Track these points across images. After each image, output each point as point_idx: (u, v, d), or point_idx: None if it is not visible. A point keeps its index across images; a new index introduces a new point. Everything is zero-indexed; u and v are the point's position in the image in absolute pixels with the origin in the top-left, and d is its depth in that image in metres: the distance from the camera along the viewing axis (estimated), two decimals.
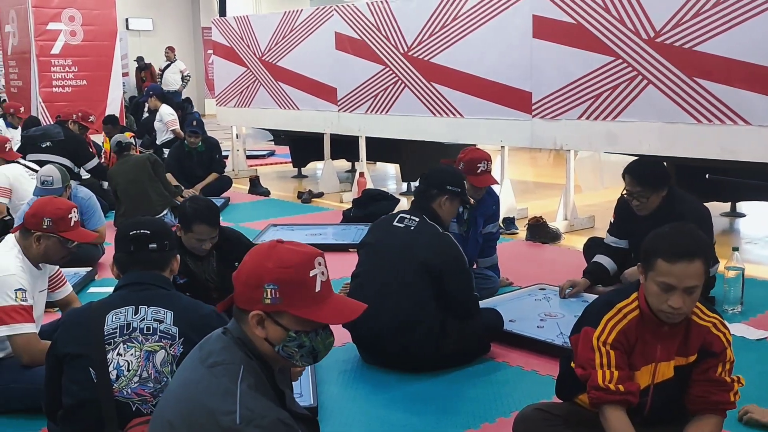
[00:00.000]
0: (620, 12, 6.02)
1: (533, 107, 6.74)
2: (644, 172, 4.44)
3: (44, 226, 3.42)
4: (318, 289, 1.94)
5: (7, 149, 6.89)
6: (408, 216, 3.86)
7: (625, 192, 4.49)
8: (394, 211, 4.10)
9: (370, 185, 8.33)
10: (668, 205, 4.37)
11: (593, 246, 5.05)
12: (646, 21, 5.87)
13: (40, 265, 3.51)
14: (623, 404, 2.49)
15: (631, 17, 5.96)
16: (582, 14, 6.27)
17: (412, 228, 3.80)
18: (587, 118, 6.37)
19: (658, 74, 5.85)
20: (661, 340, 2.53)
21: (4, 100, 13.54)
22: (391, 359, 3.77)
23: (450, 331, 3.72)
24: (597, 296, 2.90)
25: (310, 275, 1.93)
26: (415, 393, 3.56)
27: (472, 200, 4.34)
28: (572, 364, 2.66)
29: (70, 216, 3.49)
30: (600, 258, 4.79)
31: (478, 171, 4.77)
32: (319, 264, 1.96)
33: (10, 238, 3.50)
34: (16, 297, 3.28)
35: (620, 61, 6.07)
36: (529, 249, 6.31)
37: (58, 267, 3.75)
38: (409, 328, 3.65)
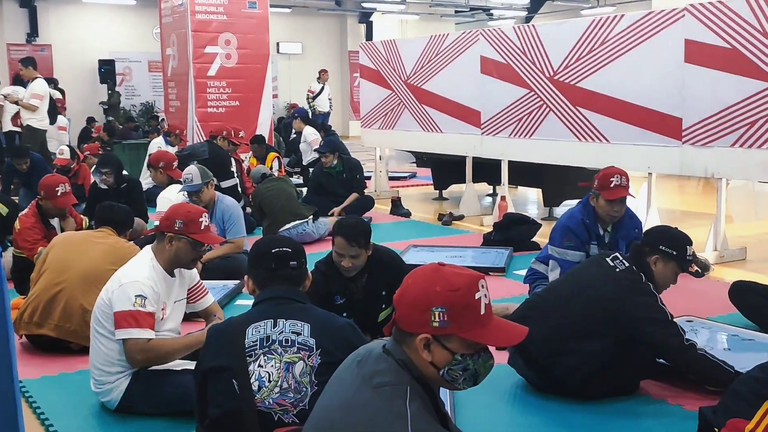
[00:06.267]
0: None
1: (684, 133, 6.52)
2: None
3: (176, 228, 3.59)
4: (483, 311, 1.95)
5: (174, 167, 7.36)
6: (621, 258, 3.74)
7: None
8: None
9: (511, 209, 8.27)
10: None
11: (743, 290, 4.80)
12: None
13: (175, 272, 3.66)
14: None
15: None
16: (738, 39, 6.03)
17: (617, 270, 3.69)
18: (741, 145, 6.10)
19: None
20: None
21: (163, 119, 14.33)
22: (537, 370, 3.75)
23: (598, 374, 3.61)
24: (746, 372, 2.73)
25: (476, 298, 1.94)
26: (561, 421, 3.51)
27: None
28: None
29: (200, 220, 3.64)
30: None
31: (611, 185, 4.68)
32: (482, 287, 1.97)
33: (148, 248, 3.68)
34: (135, 303, 3.42)
35: None
36: None
37: (198, 279, 3.92)
38: (562, 351, 3.60)
